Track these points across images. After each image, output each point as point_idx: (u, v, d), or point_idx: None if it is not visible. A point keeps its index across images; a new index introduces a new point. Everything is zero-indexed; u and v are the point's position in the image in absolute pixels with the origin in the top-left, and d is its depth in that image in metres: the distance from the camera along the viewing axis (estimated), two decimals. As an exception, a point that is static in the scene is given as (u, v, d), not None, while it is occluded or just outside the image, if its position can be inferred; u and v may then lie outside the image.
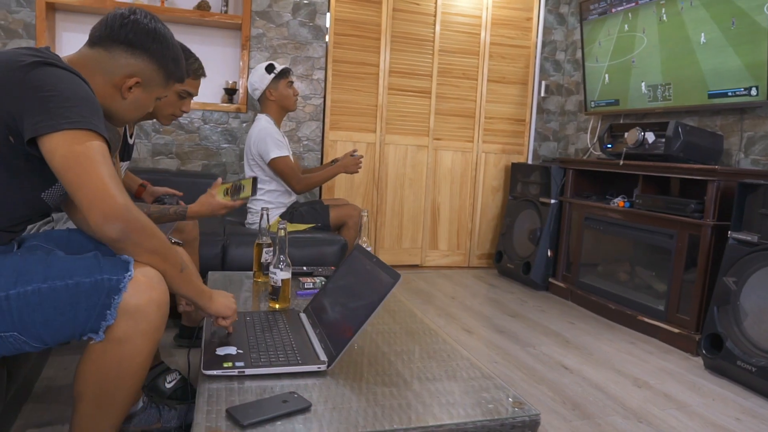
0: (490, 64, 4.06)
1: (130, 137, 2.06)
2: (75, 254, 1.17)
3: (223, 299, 1.32)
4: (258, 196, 2.87)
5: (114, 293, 1.06)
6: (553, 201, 3.57)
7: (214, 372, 1.20)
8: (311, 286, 1.96)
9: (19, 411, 1.46)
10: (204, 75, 2.03)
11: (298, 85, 3.54)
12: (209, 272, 2.12)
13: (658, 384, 2.25)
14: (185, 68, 1.61)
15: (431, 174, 4.06)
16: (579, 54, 3.92)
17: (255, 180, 1.95)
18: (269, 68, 2.84)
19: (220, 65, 3.53)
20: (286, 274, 1.71)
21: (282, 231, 1.71)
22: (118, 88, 1.25)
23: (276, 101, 2.87)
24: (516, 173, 3.96)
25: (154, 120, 3.28)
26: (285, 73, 2.86)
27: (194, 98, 2.31)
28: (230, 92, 3.52)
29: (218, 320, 1.33)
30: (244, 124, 3.53)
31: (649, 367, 2.44)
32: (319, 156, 3.76)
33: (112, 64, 1.23)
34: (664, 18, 3.08)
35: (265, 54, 3.53)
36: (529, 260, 3.66)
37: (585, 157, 3.51)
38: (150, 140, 3.39)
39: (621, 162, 3.03)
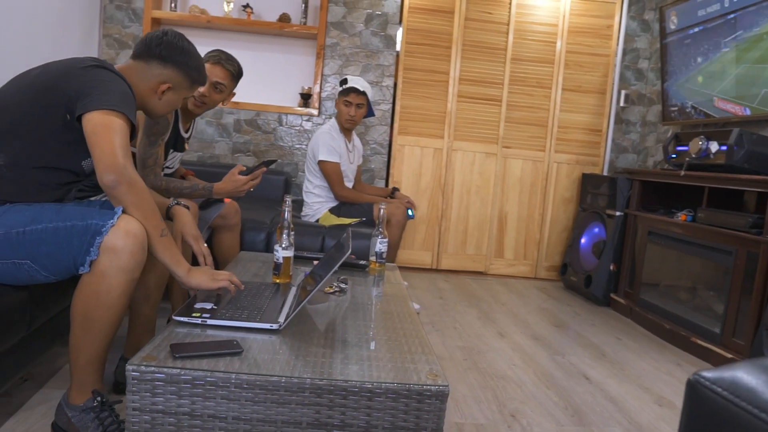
0: (566, 72, 3.97)
1: (186, 131, 2.35)
2: None
3: (201, 274, 1.47)
4: (310, 190, 3.09)
5: (98, 234, 1.32)
6: (618, 213, 3.41)
7: (182, 318, 1.39)
8: (322, 269, 2.11)
9: (46, 349, 1.75)
10: (222, 66, 2.13)
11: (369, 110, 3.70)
12: (240, 252, 2.35)
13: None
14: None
15: (499, 182, 4.05)
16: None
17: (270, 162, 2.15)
18: (342, 81, 3.03)
19: (296, 72, 3.84)
20: (287, 253, 1.87)
21: (287, 213, 1.88)
22: (154, 91, 1.60)
23: (337, 112, 3.09)
24: (586, 184, 3.83)
25: (234, 121, 3.64)
26: (345, 92, 2.99)
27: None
28: (305, 97, 3.81)
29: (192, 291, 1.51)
30: (317, 127, 3.79)
31: (683, 388, 2.27)
32: (386, 159, 3.92)
33: (149, 73, 1.57)
34: (740, 26, 2.86)
35: (338, 62, 3.78)
36: (591, 274, 3.52)
37: (660, 170, 3.31)
38: (231, 139, 3.77)
39: (682, 173, 2.85)
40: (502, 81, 3.95)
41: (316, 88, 3.78)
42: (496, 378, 2.21)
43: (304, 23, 3.75)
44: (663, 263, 3.09)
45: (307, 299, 1.46)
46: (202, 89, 2.12)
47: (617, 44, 3.97)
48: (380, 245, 2.24)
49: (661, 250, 3.08)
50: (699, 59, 3.21)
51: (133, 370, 1.14)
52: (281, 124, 3.80)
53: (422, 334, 1.54)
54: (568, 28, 3.95)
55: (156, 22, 3.67)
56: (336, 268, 1.46)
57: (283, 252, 1.86)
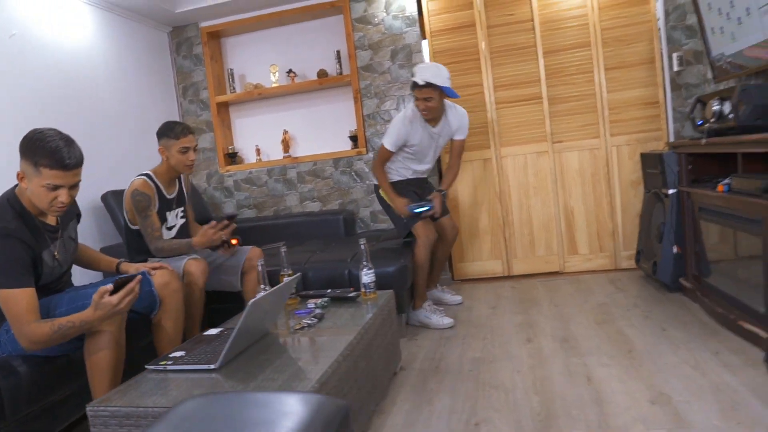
0: (605, 51, 3.76)
1: (171, 194, 2.72)
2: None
3: (99, 310, 1.82)
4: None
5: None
6: (671, 191, 3.15)
7: (150, 366, 1.82)
8: (312, 306, 2.40)
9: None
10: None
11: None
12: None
13: (682, 401, 1.97)
14: (50, 154, 1.81)
15: (558, 178, 3.94)
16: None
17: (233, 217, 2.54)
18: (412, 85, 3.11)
19: (341, 117, 4.22)
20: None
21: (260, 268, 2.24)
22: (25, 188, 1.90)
23: None
24: (645, 164, 3.56)
25: (297, 174, 4.08)
26: (411, 88, 3.12)
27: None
28: (353, 139, 4.16)
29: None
30: (367, 164, 4.11)
31: (701, 383, 2.09)
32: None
33: None
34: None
35: (375, 101, 4.07)
36: (656, 259, 3.28)
37: (689, 140, 2.98)
38: (297, 190, 4.26)
39: (703, 141, 2.59)
40: (537, 78, 3.88)
41: (360, 130, 4.11)
42: (489, 388, 2.27)
43: (340, 73, 4.12)
44: (715, 241, 2.79)
45: (230, 340, 1.78)
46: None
47: (656, 7, 3.65)
48: (366, 277, 2.47)
49: (711, 227, 2.80)
50: (721, 6, 2.87)
51: (89, 410, 1.59)
52: (336, 168, 4.19)
53: (305, 357, 1.79)
54: (599, 5, 3.74)
55: (222, 105, 4.34)
56: (244, 316, 1.76)
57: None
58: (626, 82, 3.76)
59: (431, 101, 3.06)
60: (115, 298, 1.81)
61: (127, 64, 3.83)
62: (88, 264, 2.40)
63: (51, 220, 2.06)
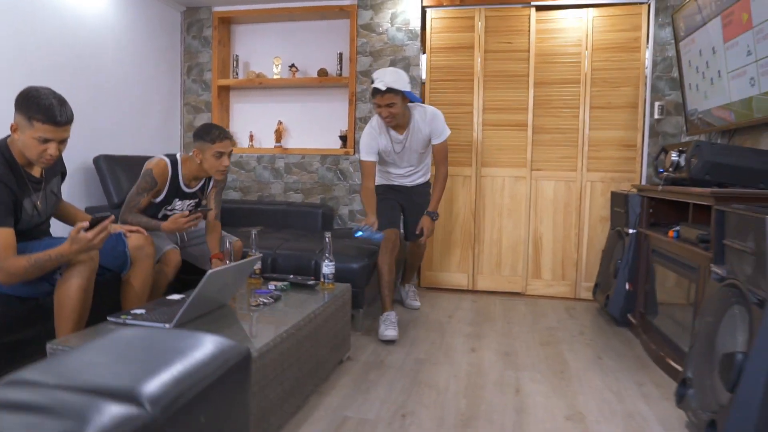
0: (593, 90, 3.94)
1: (192, 188, 2.78)
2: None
3: (75, 245, 1.98)
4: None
5: None
6: (631, 231, 3.32)
7: (111, 318, 1.96)
8: (272, 288, 2.55)
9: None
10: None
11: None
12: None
13: (593, 422, 2.13)
14: (44, 110, 1.96)
15: (532, 204, 4.11)
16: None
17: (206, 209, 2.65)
18: (372, 80, 3.09)
19: (335, 117, 4.38)
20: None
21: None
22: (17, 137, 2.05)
23: None
24: (613, 203, 3.74)
25: (285, 164, 4.23)
26: (372, 95, 3.05)
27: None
28: (343, 139, 4.31)
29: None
30: (352, 164, 4.27)
31: (617, 408, 2.25)
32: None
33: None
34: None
35: (369, 105, 4.23)
36: (609, 293, 3.44)
37: (649, 186, 3.16)
38: (283, 180, 4.41)
39: (660, 188, 2.76)
40: (526, 106, 4.05)
41: (350, 132, 4.27)
42: (424, 386, 2.42)
43: (340, 74, 4.29)
44: (663, 282, 2.96)
45: (186, 304, 1.92)
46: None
47: (646, 56, 3.83)
48: (326, 268, 2.63)
49: (662, 269, 2.96)
50: (699, 65, 3.05)
51: (49, 347, 1.73)
52: (322, 164, 4.35)
53: (253, 330, 1.94)
54: (593, 46, 3.92)
55: (223, 89, 4.49)
56: (202, 284, 1.91)
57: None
58: (608, 122, 3.94)
59: (394, 107, 3.00)
60: (91, 233, 1.97)
61: (136, 36, 3.98)
62: (67, 219, 2.55)
63: (36, 171, 2.21)
